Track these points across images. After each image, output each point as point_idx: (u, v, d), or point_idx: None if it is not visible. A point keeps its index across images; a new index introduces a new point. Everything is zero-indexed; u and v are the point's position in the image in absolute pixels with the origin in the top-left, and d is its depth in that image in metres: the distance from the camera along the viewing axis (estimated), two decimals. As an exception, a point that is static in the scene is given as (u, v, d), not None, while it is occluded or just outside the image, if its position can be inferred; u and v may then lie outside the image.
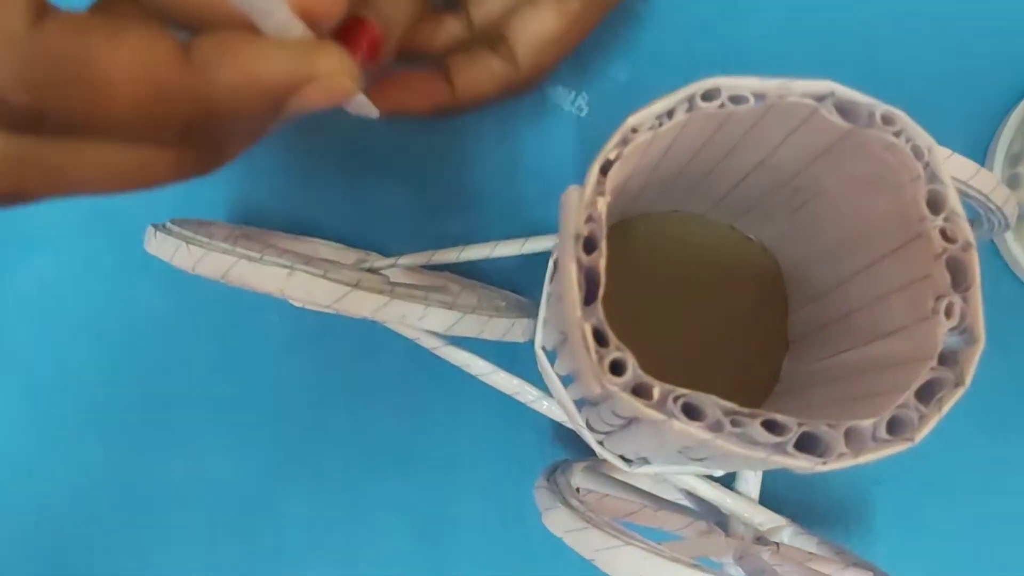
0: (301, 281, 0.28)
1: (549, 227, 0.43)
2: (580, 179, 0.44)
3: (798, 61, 0.43)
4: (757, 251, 0.34)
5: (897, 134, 0.23)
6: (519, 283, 0.41)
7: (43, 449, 0.43)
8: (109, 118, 0.17)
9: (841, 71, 0.43)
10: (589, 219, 0.23)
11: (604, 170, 0.23)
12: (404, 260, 0.35)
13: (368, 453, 0.42)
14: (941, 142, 0.43)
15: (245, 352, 0.42)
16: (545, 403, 0.34)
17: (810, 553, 0.33)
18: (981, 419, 0.39)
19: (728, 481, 0.36)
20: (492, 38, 0.33)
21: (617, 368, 0.22)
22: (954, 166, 0.27)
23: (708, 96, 0.23)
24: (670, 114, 0.24)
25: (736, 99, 0.23)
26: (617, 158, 0.23)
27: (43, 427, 0.43)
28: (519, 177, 0.42)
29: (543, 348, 0.32)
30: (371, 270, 0.36)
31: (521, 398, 0.35)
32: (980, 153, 0.40)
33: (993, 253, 0.40)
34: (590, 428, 0.30)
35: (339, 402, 0.42)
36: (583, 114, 0.42)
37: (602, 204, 0.23)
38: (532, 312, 0.35)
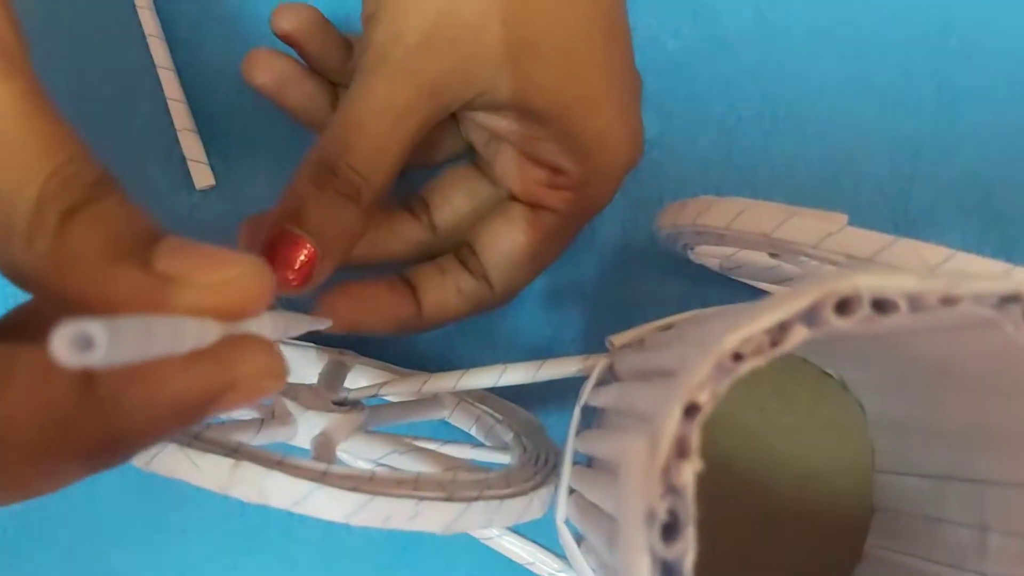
0: (249, 476, 0.20)
1: (558, 335, 0.35)
2: (602, 268, 0.37)
3: (863, 111, 0.36)
4: (835, 388, 0.27)
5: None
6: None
7: None
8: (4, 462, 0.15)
9: (913, 125, 0.36)
10: (669, 491, 0.15)
11: (690, 413, 0.16)
12: (389, 389, 0.28)
13: None
14: None
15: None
16: (568, 579, 0.28)
17: None
18: None
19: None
20: (461, 252, 0.30)
21: None
22: None
23: (844, 306, 0.16)
24: (784, 327, 0.16)
25: (882, 305, 0.16)
26: (711, 399, 0.16)
27: None
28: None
29: (566, 522, 0.25)
30: (344, 403, 0.28)
31: (536, 571, 0.28)
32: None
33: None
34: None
35: (307, 537, 0.35)
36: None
37: (689, 472, 0.15)
38: (548, 451, 0.28)
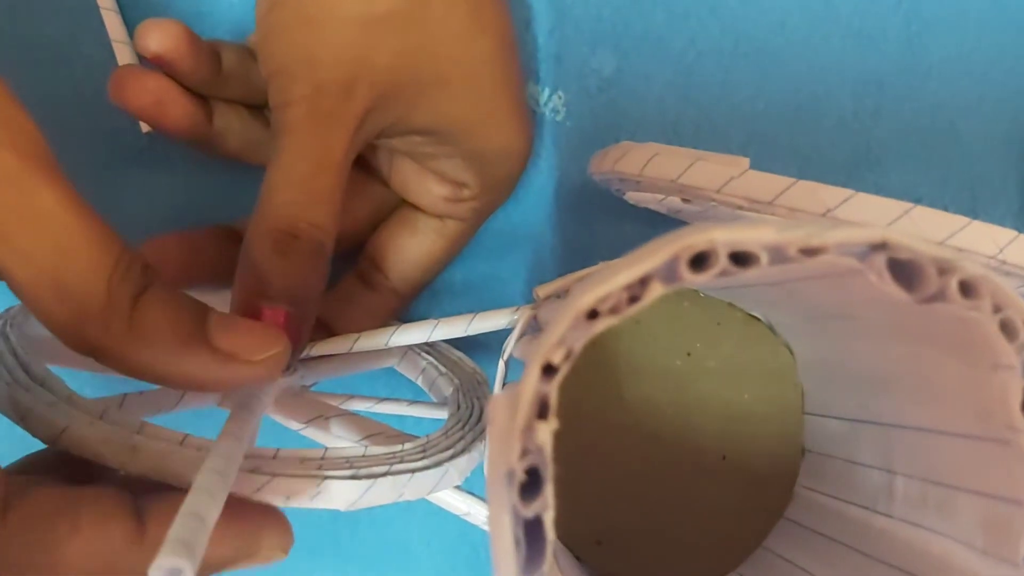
0: (149, 456, 0.20)
1: (511, 288, 0.35)
2: (554, 211, 0.37)
3: (828, 46, 0.35)
4: (764, 333, 0.26)
5: (979, 307, 0.16)
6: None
7: None
8: None
9: (876, 59, 0.35)
10: (527, 451, 0.16)
11: (548, 372, 0.16)
12: (318, 348, 0.28)
13: (302, 533, 0.35)
14: (992, 141, 0.36)
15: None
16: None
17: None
18: None
19: None
20: (362, 268, 0.31)
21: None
22: (1020, 250, 0.20)
23: (699, 261, 0.16)
24: (644, 283, 0.16)
25: (741, 258, 0.16)
26: (567, 358, 0.16)
27: None
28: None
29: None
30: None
31: (472, 520, 0.28)
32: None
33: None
34: None
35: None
36: (559, 117, 0.34)
37: (546, 432, 0.15)
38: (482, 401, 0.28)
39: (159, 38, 0.26)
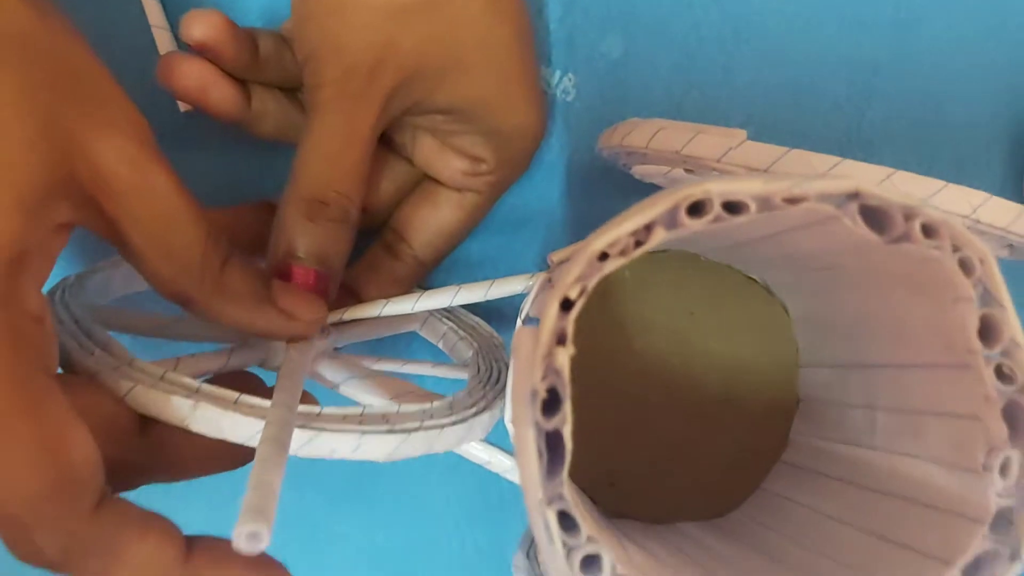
0: (208, 414, 0.23)
1: (524, 259, 0.37)
2: (566, 187, 0.39)
3: (824, 32, 0.37)
4: (761, 294, 0.29)
5: (940, 247, 0.18)
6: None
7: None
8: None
9: (869, 44, 0.37)
10: (548, 372, 0.18)
11: (565, 307, 0.18)
12: (350, 313, 0.30)
13: (327, 486, 0.38)
14: (980, 124, 0.38)
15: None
16: (521, 473, 0.30)
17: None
18: None
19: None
20: (387, 238, 0.33)
21: (591, 565, 0.18)
22: (991, 212, 0.22)
23: (696, 209, 0.18)
24: (649, 228, 0.18)
25: (733, 207, 0.18)
26: (582, 294, 0.18)
27: None
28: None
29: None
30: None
31: (493, 469, 0.31)
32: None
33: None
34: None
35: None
36: (570, 98, 0.37)
37: (564, 356, 0.18)
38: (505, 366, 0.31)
39: (203, 27, 0.29)
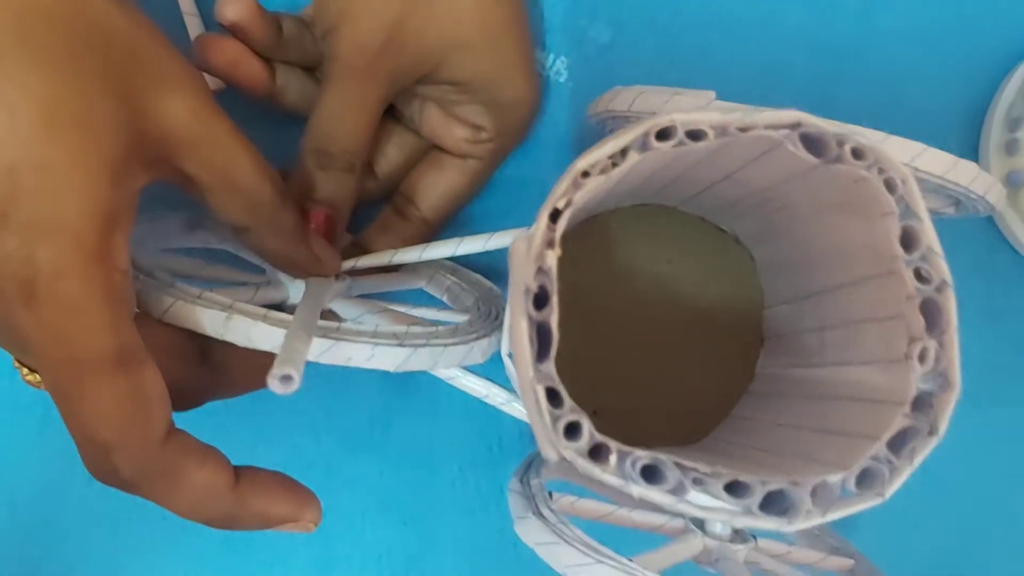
0: (239, 326, 0.26)
1: (524, 220, 0.41)
2: (559, 158, 0.42)
3: (793, 19, 0.41)
4: (730, 243, 0.32)
5: (868, 168, 0.22)
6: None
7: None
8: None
9: (834, 29, 0.41)
10: (539, 272, 0.21)
11: (554, 218, 0.22)
12: (364, 261, 0.34)
13: (342, 433, 0.41)
14: (937, 107, 0.41)
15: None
16: (516, 405, 0.34)
17: (789, 545, 0.33)
18: (971, 392, 0.38)
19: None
20: (397, 201, 0.37)
21: (573, 431, 0.21)
22: (929, 161, 0.25)
23: (663, 135, 0.21)
24: (624, 153, 0.22)
25: (694, 135, 0.22)
26: (568, 206, 0.21)
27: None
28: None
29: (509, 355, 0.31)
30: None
31: (490, 402, 0.34)
32: (978, 117, 0.38)
33: (989, 222, 0.38)
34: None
35: (312, 383, 0.41)
36: (563, 79, 0.40)
37: (552, 257, 0.21)
38: (500, 310, 0.34)
39: (235, 9, 0.33)
